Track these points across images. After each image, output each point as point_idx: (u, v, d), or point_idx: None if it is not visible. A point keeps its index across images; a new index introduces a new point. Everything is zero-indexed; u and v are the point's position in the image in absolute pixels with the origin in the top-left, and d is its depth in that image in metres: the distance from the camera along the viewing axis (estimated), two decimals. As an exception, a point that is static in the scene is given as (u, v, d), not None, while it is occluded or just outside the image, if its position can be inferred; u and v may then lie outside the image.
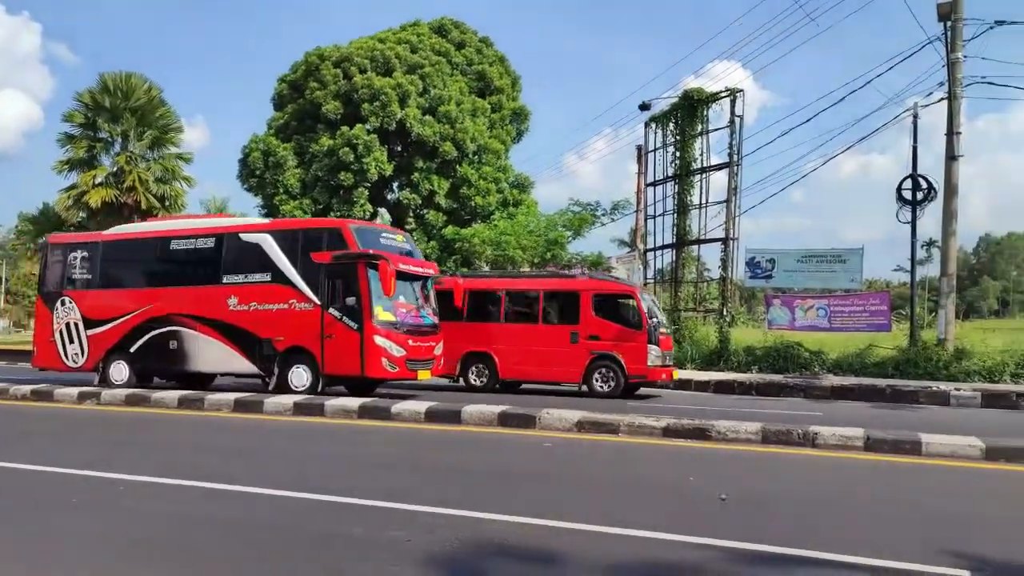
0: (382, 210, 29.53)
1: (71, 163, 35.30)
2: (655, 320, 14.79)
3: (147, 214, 34.79)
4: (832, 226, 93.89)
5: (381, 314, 12.32)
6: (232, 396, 11.64)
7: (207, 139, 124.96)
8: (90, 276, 14.69)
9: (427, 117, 25.30)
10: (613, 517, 5.40)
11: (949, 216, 17.41)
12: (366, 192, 25.66)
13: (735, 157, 21.06)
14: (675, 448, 8.54)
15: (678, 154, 22.50)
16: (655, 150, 23.37)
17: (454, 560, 4.57)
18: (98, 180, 33.13)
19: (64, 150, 34.24)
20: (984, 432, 9.00)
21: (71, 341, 14.57)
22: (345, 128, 24.90)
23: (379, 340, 12.25)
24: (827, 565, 4.49)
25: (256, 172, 25.97)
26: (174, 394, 12.10)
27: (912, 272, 20.59)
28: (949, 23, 16.42)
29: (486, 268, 34.42)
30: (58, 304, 14.72)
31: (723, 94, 21.59)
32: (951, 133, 16.72)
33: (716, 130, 21.93)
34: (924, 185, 18.84)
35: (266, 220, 15.96)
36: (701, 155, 22.16)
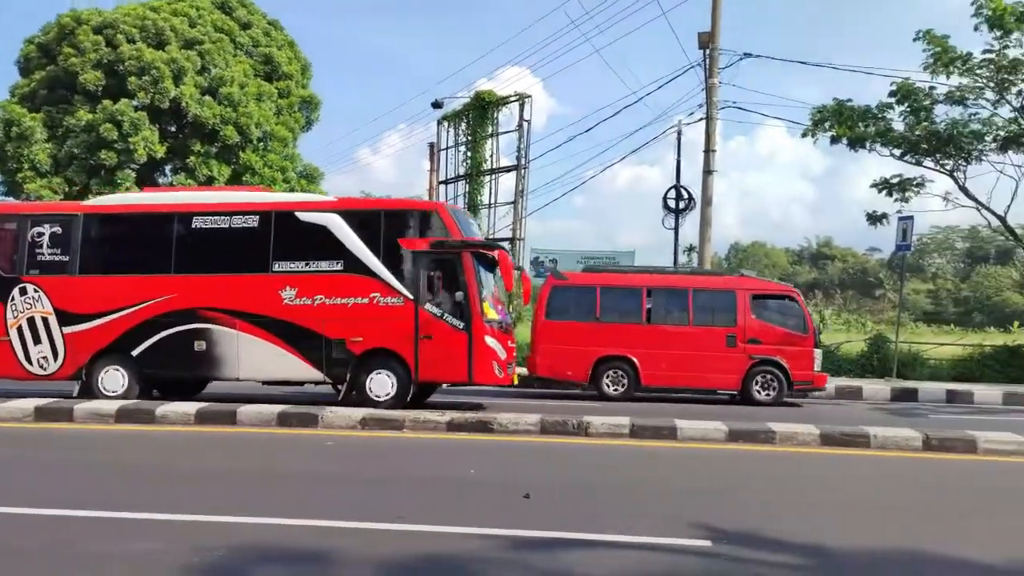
0: (152, 195, 27.06)
1: None
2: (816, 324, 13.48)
3: None
4: (610, 230, 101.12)
5: (488, 311, 10.65)
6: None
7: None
8: (66, 258, 11.19)
9: (206, 98, 23.47)
10: (392, 513, 5.34)
11: (705, 224, 19.41)
12: (132, 174, 23.27)
13: (523, 160, 21.92)
14: (459, 442, 8.67)
15: (469, 154, 22.95)
16: (447, 149, 23.65)
17: (217, 570, 4.25)
18: None
19: None
20: (741, 417, 10.15)
21: (36, 341, 11.07)
22: (108, 102, 22.38)
23: (490, 341, 10.62)
24: (586, 545, 4.78)
25: (-6, 144, 22.54)
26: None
27: (675, 274, 22.73)
28: (708, 51, 18.32)
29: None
30: (14, 293, 11.12)
31: (512, 98, 22.36)
32: (708, 150, 18.66)
33: (506, 133, 22.68)
34: (685, 195, 20.97)
35: (331, 198, 12.66)
36: (491, 156, 22.79)
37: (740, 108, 19.42)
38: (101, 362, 11.03)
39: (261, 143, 25.07)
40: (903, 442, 8.52)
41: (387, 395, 10.59)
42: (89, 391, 10.91)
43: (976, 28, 16.89)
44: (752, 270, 16.79)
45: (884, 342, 18.58)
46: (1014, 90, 17.08)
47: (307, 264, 10.78)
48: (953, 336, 25.38)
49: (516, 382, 11.87)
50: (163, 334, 10.89)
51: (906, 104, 17.94)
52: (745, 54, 18.73)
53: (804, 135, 19.21)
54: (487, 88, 23.13)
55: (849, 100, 18.47)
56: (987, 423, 10.56)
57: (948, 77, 17.50)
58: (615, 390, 13.38)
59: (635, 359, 13.37)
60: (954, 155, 17.82)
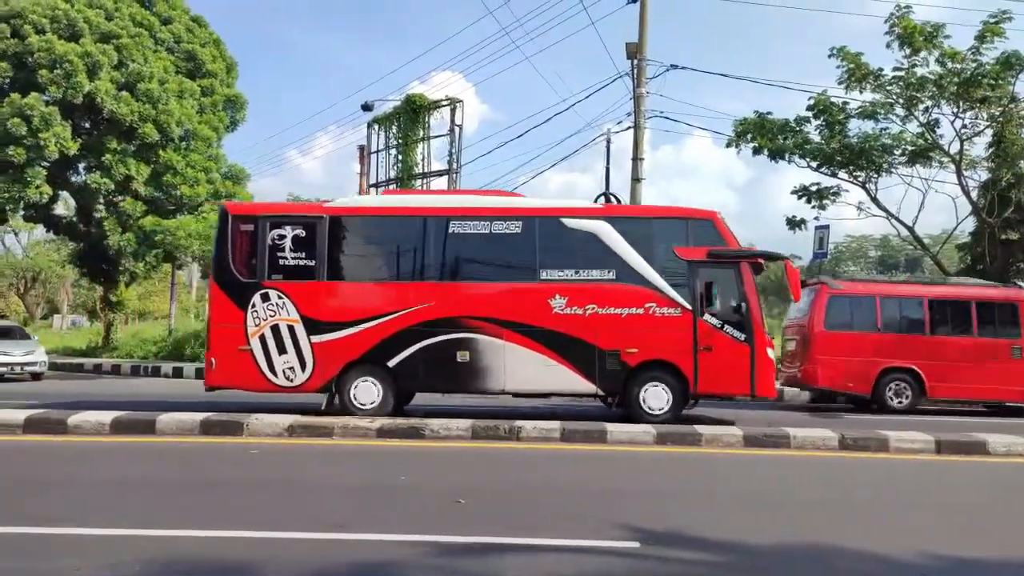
0: (64, 194, 25.73)
1: None
2: None
3: None
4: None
5: (763, 323, 10.46)
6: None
7: None
8: (313, 262, 10.49)
9: (123, 93, 22.50)
10: (322, 522, 5.23)
11: (634, 231, 19.77)
12: (43, 172, 22.12)
13: (454, 165, 21.88)
14: (389, 448, 8.56)
15: (400, 157, 22.76)
16: (378, 152, 23.38)
17: (135, 587, 4.07)
18: None
19: None
20: None
21: (281, 351, 10.33)
22: (16, 95, 21.19)
23: (771, 353, 10.39)
24: (519, 549, 4.79)
25: None
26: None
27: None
28: (635, 61, 18.70)
29: (191, 263, 31.61)
30: (256, 299, 10.38)
31: (444, 102, 22.32)
32: (635, 158, 19.03)
33: (437, 137, 22.60)
34: (614, 202, 21.29)
35: (596, 204, 12.15)
36: (423, 160, 22.66)
37: (667, 118, 20.11)
38: (353, 373, 10.38)
39: (183, 142, 24.24)
40: (820, 442, 8.89)
41: (662, 408, 10.30)
42: (343, 404, 10.35)
43: (888, 45, 17.85)
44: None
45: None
46: (921, 107, 18.10)
47: (577, 272, 10.41)
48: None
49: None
50: (422, 344, 10.31)
51: (822, 118, 18.80)
52: (672, 65, 19.23)
53: (728, 146, 19.89)
54: (418, 92, 23.01)
55: (769, 113, 19.23)
56: (896, 423, 11.09)
57: (861, 92, 18.44)
58: (898, 402, 13.25)
59: (919, 370, 13.25)
60: (866, 167, 18.77)
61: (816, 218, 19.28)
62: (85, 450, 8.34)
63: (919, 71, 17.63)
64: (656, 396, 10.34)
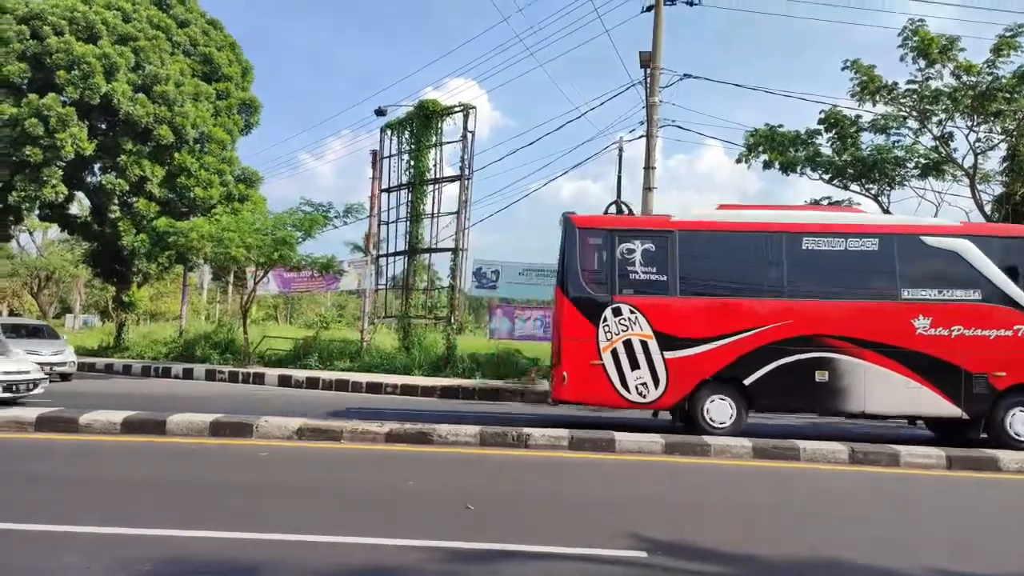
0: (79, 194, 25.94)
1: None
2: None
3: None
4: (551, 242, 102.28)
5: None
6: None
7: None
8: (665, 277, 10.53)
9: (139, 95, 22.72)
10: (329, 525, 5.25)
11: (645, 239, 19.77)
12: (59, 172, 22.31)
13: (466, 171, 21.91)
14: (397, 453, 8.58)
15: (412, 163, 22.84)
16: (390, 157, 23.48)
17: (145, 587, 4.11)
18: None
19: None
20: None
21: (634, 366, 10.36)
22: (34, 96, 21.41)
23: None
24: (526, 556, 4.80)
25: (-94, 136, 21.27)
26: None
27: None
28: (649, 70, 18.73)
29: (203, 264, 31.75)
30: (607, 314, 10.43)
31: (457, 109, 22.38)
32: (648, 167, 19.04)
33: (450, 143, 22.65)
34: (626, 211, 21.28)
35: (954, 222, 11.78)
36: (435, 166, 22.73)
37: (680, 127, 20.13)
38: (706, 390, 10.39)
39: (197, 144, 24.41)
40: (831, 455, 8.85)
41: None
42: (694, 421, 10.35)
43: (902, 59, 17.80)
44: None
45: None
46: (935, 119, 18.04)
47: (940, 292, 10.26)
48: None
49: None
50: (780, 362, 10.23)
51: (834, 131, 18.76)
52: (685, 75, 19.23)
53: (739, 161, 19.86)
54: (432, 98, 23.10)
55: (780, 126, 19.21)
56: (914, 436, 11.00)
57: (874, 105, 18.39)
58: None
59: None
60: (878, 180, 18.70)
61: (828, 231, 19.20)
62: (96, 450, 8.39)
63: (933, 84, 17.59)
64: (1023, 421, 10.13)
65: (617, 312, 10.45)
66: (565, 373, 10.49)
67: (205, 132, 24.22)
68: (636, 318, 10.43)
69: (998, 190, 19.59)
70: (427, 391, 16.61)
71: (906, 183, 18.93)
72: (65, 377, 17.97)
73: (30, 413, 9.29)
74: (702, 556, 4.93)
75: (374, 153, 24.05)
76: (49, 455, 8.06)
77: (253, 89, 27.49)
